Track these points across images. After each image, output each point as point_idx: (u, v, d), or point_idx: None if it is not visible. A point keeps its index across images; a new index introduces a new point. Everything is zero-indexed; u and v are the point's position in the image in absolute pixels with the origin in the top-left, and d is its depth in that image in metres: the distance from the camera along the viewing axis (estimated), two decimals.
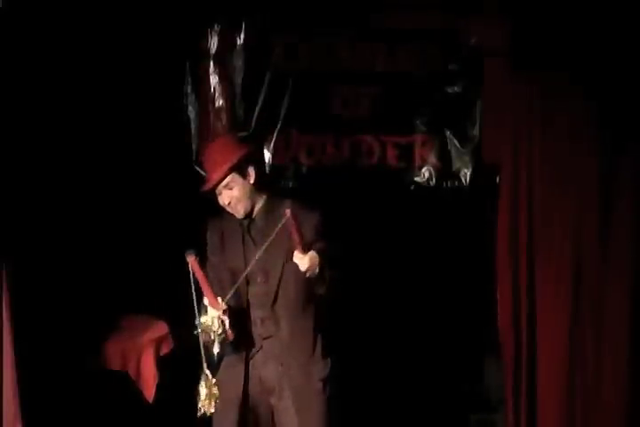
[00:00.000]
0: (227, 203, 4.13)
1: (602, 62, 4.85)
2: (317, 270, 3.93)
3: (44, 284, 4.88)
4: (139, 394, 5.10)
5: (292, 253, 3.94)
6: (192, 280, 3.91)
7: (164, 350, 5.16)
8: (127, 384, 5.10)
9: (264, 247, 4.00)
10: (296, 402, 4.13)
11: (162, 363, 5.12)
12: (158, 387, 5.08)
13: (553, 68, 4.90)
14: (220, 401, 4.05)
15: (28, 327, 4.63)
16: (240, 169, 4.12)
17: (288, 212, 3.82)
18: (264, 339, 4.16)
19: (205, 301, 3.96)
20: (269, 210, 4.17)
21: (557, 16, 4.88)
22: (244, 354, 4.15)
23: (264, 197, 4.20)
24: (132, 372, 5.11)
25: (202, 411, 3.94)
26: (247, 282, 4.13)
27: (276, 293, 4.13)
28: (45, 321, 4.86)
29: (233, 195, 4.12)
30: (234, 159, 4.10)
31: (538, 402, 4.94)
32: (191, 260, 3.91)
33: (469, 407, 5.76)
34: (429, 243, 5.64)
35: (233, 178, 4.11)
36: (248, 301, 4.15)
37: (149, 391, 5.08)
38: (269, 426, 4.20)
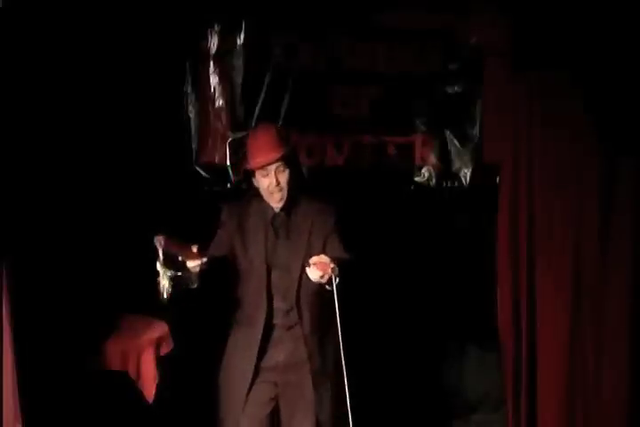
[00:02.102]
0: (275, 184, 4.29)
1: (602, 62, 4.85)
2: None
3: (44, 283, 4.87)
4: (139, 394, 5.10)
5: (313, 246, 4.31)
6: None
7: (164, 350, 5.15)
8: (127, 384, 5.10)
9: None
10: (314, 382, 4.35)
11: (162, 363, 5.12)
12: (158, 387, 5.08)
13: (553, 68, 4.90)
14: (231, 385, 4.36)
15: (28, 327, 4.62)
16: (287, 161, 4.33)
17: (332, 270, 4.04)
18: (287, 329, 4.36)
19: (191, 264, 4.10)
20: (291, 207, 4.38)
21: (557, 16, 4.88)
22: (258, 340, 4.33)
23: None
24: (131, 372, 5.10)
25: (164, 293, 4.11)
26: (268, 273, 4.35)
27: (299, 284, 4.31)
28: (45, 321, 4.86)
29: (282, 178, 4.30)
30: (288, 147, 4.36)
31: (538, 402, 4.95)
32: (160, 240, 4.06)
33: (469, 407, 5.76)
34: (429, 243, 5.64)
35: (284, 164, 4.31)
36: (270, 291, 4.34)
37: (149, 391, 5.08)
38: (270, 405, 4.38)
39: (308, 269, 4.09)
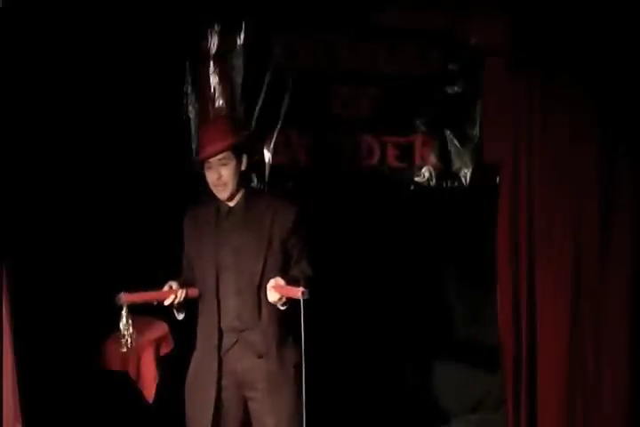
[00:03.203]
0: (216, 178, 4.22)
1: (602, 62, 4.85)
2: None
3: (44, 283, 4.87)
4: (139, 394, 5.10)
5: (274, 241, 4.19)
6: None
7: (164, 350, 5.16)
8: (127, 384, 5.10)
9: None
10: (270, 389, 4.19)
11: (162, 363, 5.12)
12: (158, 387, 5.08)
13: (553, 68, 4.90)
14: (195, 398, 4.21)
15: (27, 327, 4.62)
16: (236, 150, 4.25)
17: (302, 294, 3.94)
18: (240, 331, 4.22)
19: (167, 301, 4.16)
20: (249, 201, 4.28)
21: (557, 16, 4.88)
22: (215, 347, 4.22)
23: (243, 189, 4.30)
24: (131, 372, 5.10)
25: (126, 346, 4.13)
26: (218, 271, 4.22)
27: (261, 282, 4.18)
28: (45, 321, 4.86)
29: (224, 172, 4.21)
30: (234, 137, 4.25)
31: (538, 402, 4.95)
32: (125, 299, 4.09)
33: (469, 407, 5.76)
34: (429, 243, 5.64)
35: (229, 156, 4.23)
36: (218, 289, 4.22)
37: (149, 391, 5.08)
38: (241, 417, 4.26)
39: (268, 291, 4.09)
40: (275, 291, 4.07)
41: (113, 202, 5.12)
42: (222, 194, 4.25)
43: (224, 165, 4.21)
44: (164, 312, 5.14)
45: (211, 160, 4.22)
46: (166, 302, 4.16)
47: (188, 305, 4.30)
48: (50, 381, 4.85)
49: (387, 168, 5.44)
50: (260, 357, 4.21)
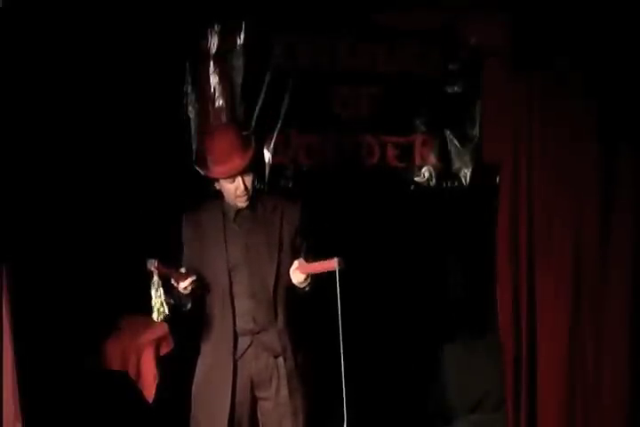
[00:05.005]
0: (243, 188, 4.16)
1: (602, 62, 4.85)
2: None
3: (44, 284, 4.87)
4: (139, 394, 5.10)
5: (284, 242, 4.19)
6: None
7: (164, 350, 5.16)
8: (127, 384, 5.10)
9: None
10: (288, 389, 4.19)
11: (162, 363, 5.12)
12: (158, 387, 5.08)
13: (553, 68, 4.91)
14: (209, 404, 4.19)
15: (27, 327, 4.63)
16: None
17: (338, 263, 3.97)
18: (255, 334, 4.21)
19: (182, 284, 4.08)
20: (255, 202, 4.25)
21: (557, 15, 4.89)
22: (230, 352, 4.20)
23: None
24: (131, 372, 5.11)
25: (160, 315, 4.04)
26: (231, 274, 4.19)
27: (276, 282, 4.18)
28: (45, 321, 4.86)
29: (248, 181, 4.18)
30: (251, 147, 4.21)
31: (538, 402, 4.95)
32: (154, 265, 3.99)
33: (469, 407, 5.76)
34: (429, 243, 5.64)
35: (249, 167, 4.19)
36: (232, 292, 4.20)
37: (149, 391, 5.08)
38: (251, 419, 4.25)
39: (292, 273, 4.08)
40: (299, 271, 4.05)
41: (113, 202, 5.12)
42: (245, 202, 4.23)
43: (248, 175, 4.19)
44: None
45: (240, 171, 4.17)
46: (181, 286, 4.06)
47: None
48: (50, 381, 4.85)
49: (387, 168, 5.44)
50: (276, 356, 4.21)
